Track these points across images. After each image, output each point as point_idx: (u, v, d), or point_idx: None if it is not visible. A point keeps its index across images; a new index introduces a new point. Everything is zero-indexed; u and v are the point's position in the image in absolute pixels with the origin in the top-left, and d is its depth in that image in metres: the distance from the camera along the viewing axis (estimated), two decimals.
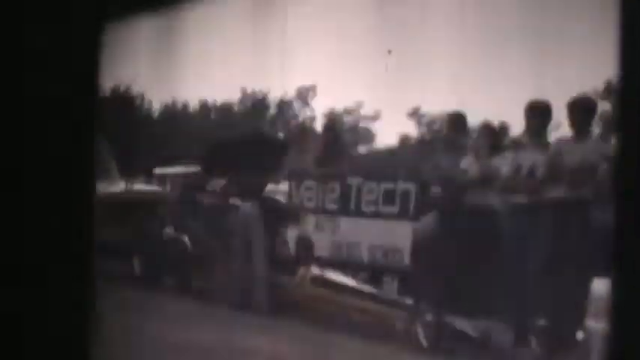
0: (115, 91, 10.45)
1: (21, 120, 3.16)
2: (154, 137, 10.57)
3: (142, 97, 10.59)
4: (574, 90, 6.94)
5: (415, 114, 8.47)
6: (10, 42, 3.12)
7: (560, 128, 7.21)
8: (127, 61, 9.53)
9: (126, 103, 10.67)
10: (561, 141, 7.19)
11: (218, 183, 9.80)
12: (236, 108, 9.58)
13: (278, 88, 9.31)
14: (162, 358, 6.98)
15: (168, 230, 10.23)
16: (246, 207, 9.20)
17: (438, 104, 8.01)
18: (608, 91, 7.11)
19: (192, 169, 10.41)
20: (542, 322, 6.99)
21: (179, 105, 10.26)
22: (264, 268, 8.95)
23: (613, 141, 7.09)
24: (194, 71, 9.61)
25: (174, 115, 10.30)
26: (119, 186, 10.53)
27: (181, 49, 9.57)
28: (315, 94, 9.13)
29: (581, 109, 6.95)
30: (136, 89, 10.62)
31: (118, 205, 9.87)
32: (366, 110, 9.02)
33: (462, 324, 7.26)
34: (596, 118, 7.11)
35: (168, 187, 10.84)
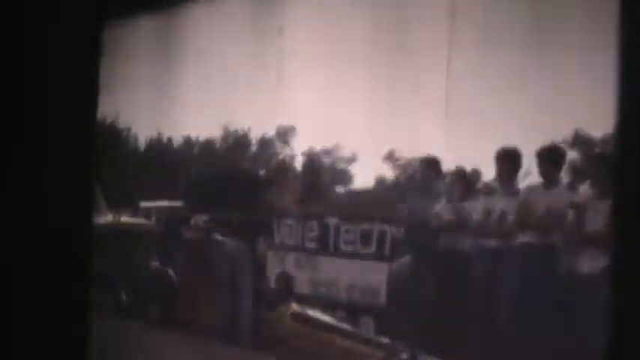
0: (101, 124, 10.53)
1: (20, 121, 3.26)
2: (139, 171, 10.70)
3: (128, 131, 10.72)
4: (544, 139, 7.12)
5: (391, 157, 8.61)
6: (10, 42, 3.17)
7: (530, 176, 7.38)
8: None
9: (112, 136, 10.79)
10: (530, 188, 7.37)
11: (201, 217, 9.92)
12: (218, 144, 9.72)
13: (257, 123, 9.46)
14: None
15: (154, 263, 10.34)
16: (232, 243, 9.31)
17: (414, 148, 8.16)
18: (577, 140, 7.29)
19: (177, 203, 10.55)
20: None
21: (164, 140, 10.40)
22: (250, 304, 9.09)
23: (580, 189, 7.31)
24: (180, 106, 9.74)
25: (160, 149, 10.44)
26: (106, 218, 10.66)
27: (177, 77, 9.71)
28: (295, 134, 9.27)
29: (549, 158, 7.14)
30: (122, 123, 10.75)
31: (105, 236, 10.00)
32: (343, 152, 9.15)
33: None
34: (565, 166, 7.29)
35: (153, 221, 10.95)
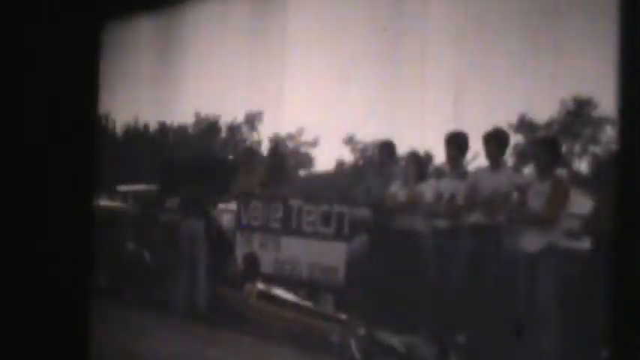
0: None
1: (21, 121, 3.25)
2: (117, 156, 10.99)
3: (107, 117, 11.02)
4: (490, 123, 7.42)
5: (350, 141, 8.93)
6: (10, 42, 3.15)
7: (478, 158, 7.68)
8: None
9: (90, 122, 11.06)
10: (478, 170, 7.67)
11: (174, 201, 10.22)
12: (190, 130, 10.03)
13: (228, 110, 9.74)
14: None
15: (130, 245, 10.63)
16: (191, 223, 9.63)
17: (371, 133, 8.46)
18: (521, 124, 7.61)
19: (152, 186, 10.84)
20: (460, 338, 7.46)
21: (140, 126, 10.71)
22: (206, 282, 9.39)
23: (524, 171, 7.63)
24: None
25: (136, 135, 10.74)
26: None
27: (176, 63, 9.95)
28: (261, 120, 9.59)
29: (495, 141, 7.41)
30: (100, 110, 11.02)
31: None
32: (306, 136, 9.45)
33: (390, 339, 7.67)
34: (509, 149, 7.59)
35: (129, 204, 11.23)
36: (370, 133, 8.47)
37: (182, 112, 10.02)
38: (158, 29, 9.46)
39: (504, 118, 7.46)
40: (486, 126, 7.36)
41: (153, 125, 10.42)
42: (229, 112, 9.81)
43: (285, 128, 9.33)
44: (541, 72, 6.94)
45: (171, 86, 9.78)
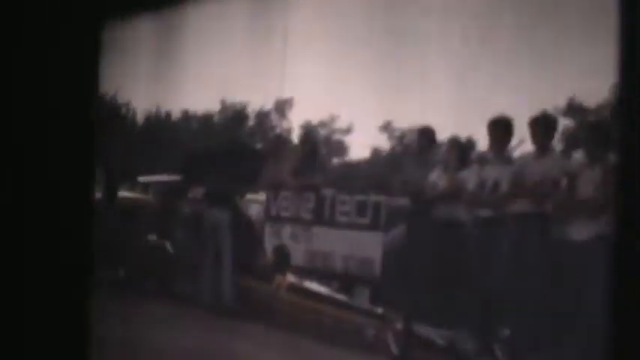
0: (100, 100, 10.59)
1: (20, 120, 3.23)
2: (138, 146, 10.78)
3: (127, 106, 10.79)
4: (537, 107, 7.17)
5: (387, 128, 8.69)
6: (10, 42, 3.12)
7: (524, 144, 7.43)
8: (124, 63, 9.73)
9: (111, 112, 10.86)
10: (524, 157, 7.41)
11: (198, 191, 10.02)
12: (216, 118, 9.81)
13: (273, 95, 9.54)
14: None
15: (152, 236, 10.45)
16: (216, 213, 9.43)
17: (409, 119, 8.23)
18: (570, 108, 7.34)
19: (174, 177, 10.64)
20: (506, 331, 7.22)
21: (162, 114, 10.48)
22: (232, 274, 9.19)
23: (573, 156, 7.36)
24: (183, 79, 9.82)
25: (158, 124, 10.51)
26: (106, 193, 10.75)
27: (179, 54, 9.77)
28: (291, 107, 9.35)
29: (542, 126, 7.15)
30: (121, 98, 10.82)
31: (104, 211, 10.10)
32: (339, 123, 9.23)
33: (430, 332, 7.45)
34: (557, 134, 7.33)
35: (151, 195, 11.05)
36: (407, 119, 8.22)
37: (206, 99, 9.78)
38: (165, 25, 9.27)
39: (551, 102, 7.21)
40: (535, 110, 7.13)
41: (175, 113, 10.17)
42: (257, 99, 9.58)
43: (317, 115, 9.10)
44: (593, 56, 6.67)
45: (195, 72, 9.56)
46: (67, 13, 3.17)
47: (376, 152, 8.84)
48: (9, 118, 3.16)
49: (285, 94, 9.31)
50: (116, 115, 10.98)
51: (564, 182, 7.02)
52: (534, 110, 7.15)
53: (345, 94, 8.41)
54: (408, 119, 8.19)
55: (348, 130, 9.24)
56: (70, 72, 3.24)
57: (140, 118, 10.85)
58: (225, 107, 9.71)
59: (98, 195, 10.24)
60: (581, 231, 6.80)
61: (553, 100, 7.22)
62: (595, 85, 6.96)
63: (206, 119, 9.92)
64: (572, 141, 7.36)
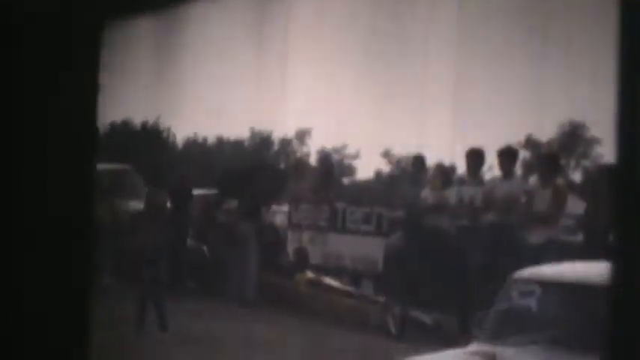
0: (144, 125, 12.36)
1: (20, 121, 2.99)
2: (178, 165, 12.34)
3: (168, 131, 12.54)
4: (503, 141, 8.99)
5: (387, 154, 10.46)
6: (10, 42, 2.98)
7: (492, 170, 9.30)
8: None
9: (153, 136, 12.48)
10: (493, 179, 9.30)
11: (232, 203, 11.44)
12: (246, 144, 11.55)
13: (279, 126, 11.27)
14: (187, 348, 8.02)
15: (191, 241, 11.66)
16: (247, 222, 10.91)
17: (406, 147, 9.99)
18: (528, 142, 9.27)
19: (211, 191, 12.07)
20: (479, 314, 8.88)
21: (199, 139, 12.26)
22: (259, 273, 10.63)
23: (530, 180, 9.20)
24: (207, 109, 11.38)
25: (196, 147, 12.25)
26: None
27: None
28: (310, 136, 11.14)
29: (507, 156, 9.00)
30: (162, 124, 12.55)
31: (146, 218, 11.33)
32: (349, 150, 10.97)
33: (421, 315, 8.89)
34: (519, 162, 9.14)
35: (191, 206, 12.34)
36: (404, 147, 9.99)
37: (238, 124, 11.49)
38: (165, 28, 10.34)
39: (514, 137, 9.04)
40: (501, 143, 8.98)
41: (211, 139, 11.95)
42: (281, 127, 11.33)
43: (330, 142, 10.85)
44: (545, 98, 8.51)
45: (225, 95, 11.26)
46: (67, 13, 3.02)
47: (378, 174, 10.54)
48: (7, 118, 2.98)
49: (305, 125, 11.04)
50: (157, 139, 12.52)
51: (524, 199, 8.82)
52: (501, 143, 9.02)
53: (353, 127, 10.23)
54: (405, 147, 9.94)
55: (356, 156, 10.99)
56: (70, 72, 3.04)
57: (179, 141, 12.58)
58: (253, 134, 11.53)
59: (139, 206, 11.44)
60: (537, 236, 8.55)
61: (515, 136, 9.06)
62: (547, 123, 8.89)
63: (237, 144, 11.72)
64: (529, 168, 9.18)
